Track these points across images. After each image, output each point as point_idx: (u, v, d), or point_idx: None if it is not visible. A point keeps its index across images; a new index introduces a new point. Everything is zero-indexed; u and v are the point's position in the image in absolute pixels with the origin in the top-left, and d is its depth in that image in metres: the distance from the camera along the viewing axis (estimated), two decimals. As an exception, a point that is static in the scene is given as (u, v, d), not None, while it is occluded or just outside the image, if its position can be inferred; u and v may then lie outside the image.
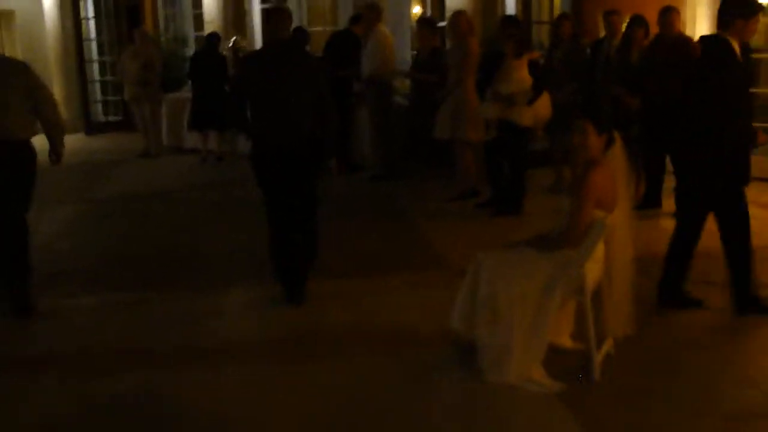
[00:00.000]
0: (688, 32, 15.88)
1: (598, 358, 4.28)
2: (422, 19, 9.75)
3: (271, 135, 5.62)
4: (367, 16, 9.83)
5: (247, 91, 5.70)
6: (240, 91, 5.87)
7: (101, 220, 8.72)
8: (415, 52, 10.42)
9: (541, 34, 10.59)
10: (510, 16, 9.29)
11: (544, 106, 7.83)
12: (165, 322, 5.57)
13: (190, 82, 12.07)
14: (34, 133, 5.80)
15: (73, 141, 11.89)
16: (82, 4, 15.64)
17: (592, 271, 4.24)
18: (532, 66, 7.79)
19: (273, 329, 5.43)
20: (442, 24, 10.57)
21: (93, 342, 5.27)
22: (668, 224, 7.43)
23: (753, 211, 5.31)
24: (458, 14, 8.59)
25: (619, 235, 4.37)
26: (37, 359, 5.01)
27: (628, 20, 8.26)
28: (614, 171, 4.29)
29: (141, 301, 6.00)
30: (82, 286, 6.41)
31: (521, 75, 7.67)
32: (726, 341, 4.92)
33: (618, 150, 4.32)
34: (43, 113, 5.77)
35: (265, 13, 6.36)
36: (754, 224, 5.31)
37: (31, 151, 5.72)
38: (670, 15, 7.60)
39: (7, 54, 16.13)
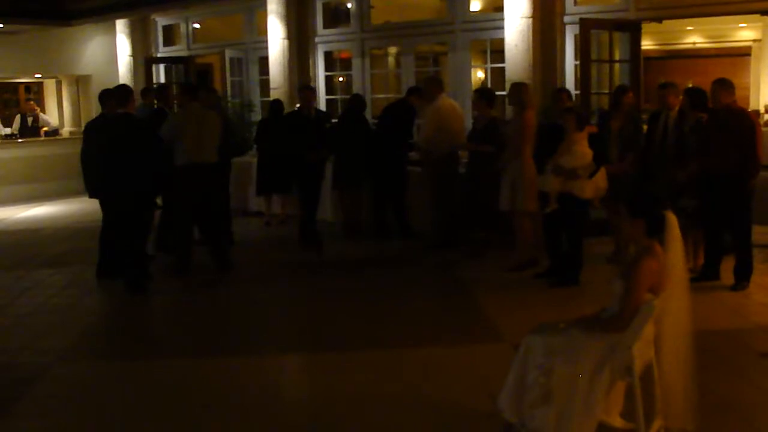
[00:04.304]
0: (752, 98, 15.93)
1: (647, 438, 4.30)
2: (479, 90, 9.90)
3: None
4: (427, 88, 10.07)
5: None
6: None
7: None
8: (474, 120, 10.57)
9: (601, 104, 10.66)
10: (562, 88, 9.37)
11: (602, 178, 7.89)
12: (215, 386, 5.72)
13: (255, 146, 12.40)
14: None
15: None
16: (154, 69, 16.23)
17: (641, 352, 4.27)
18: (593, 139, 7.87)
19: (318, 397, 5.52)
20: (502, 93, 10.75)
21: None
22: (726, 297, 7.46)
23: None
24: (517, 86, 8.73)
25: (674, 317, 4.36)
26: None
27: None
28: (668, 254, 4.31)
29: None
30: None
31: (583, 149, 7.74)
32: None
33: (673, 231, 4.34)
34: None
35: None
36: None
37: (220, 168, 9.48)
38: (716, 88, 7.64)
39: (82, 114, 16.97)
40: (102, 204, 8.78)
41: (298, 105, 12.42)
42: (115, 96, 8.73)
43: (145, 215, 8.75)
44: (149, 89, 12.70)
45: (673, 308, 4.36)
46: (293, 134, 10.73)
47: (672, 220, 4.32)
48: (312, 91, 11.58)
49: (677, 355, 4.39)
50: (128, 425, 5.17)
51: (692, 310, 4.44)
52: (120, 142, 8.37)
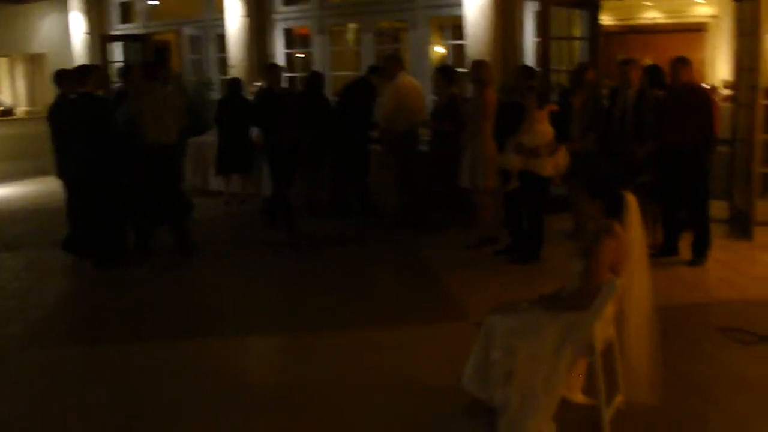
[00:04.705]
0: (707, 73, 16.12)
1: (607, 415, 4.36)
2: (439, 68, 9.90)
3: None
4: (387, 65, 10.01)
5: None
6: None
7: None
8: (435, 98, 10.56)
9: (560, 81, 10.70)
10: (526, 67, 9.38)
11: (562, 155, 7.94)
12: (181, 370, 5.70)
13: (215, 126, 12.26)
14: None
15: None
16: (110, 48, 15.98)
17: (602, 330, 4.32)
18: (554, 117, 7.89)
19: (281, 379, 5.53)
20: (463, 70, 10.73)
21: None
22: (684, 273, 7.56)
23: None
24: (477, 64, 8.71)
25: (635, 295, 4.40)
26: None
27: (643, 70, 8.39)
28: (628, 233, 4.35)
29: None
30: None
31: (544, 127, 7.77)
32: (742, 401, 4.91)
33: (632, 211, 4.36)
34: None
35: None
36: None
37: (178, 148, 9.31)
38: (675, 66, 7.68)
39: (36, 93, 16.69)
40: (66, 186, 8.74)
41: (259, 84, 12.32)
42: (73, 75, 8.58)
43: (113, 196, 8.49)
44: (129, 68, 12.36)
45: (634, 287, 4.40)
46: (265, 113, 10.48)
47: (630, 200, 4.35)
48: (281, 69, 11.40)
49: (639, 332, 4.44)
50: (91, 411, 5.12)
51: (653, 288, 4.49)
52: (80, 122, 8.25)
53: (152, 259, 8.73)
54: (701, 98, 7.72)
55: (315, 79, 10.96)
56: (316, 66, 13.23)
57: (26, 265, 8.83)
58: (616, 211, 4.35)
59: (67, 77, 8.68)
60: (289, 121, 10.26)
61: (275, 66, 11.33)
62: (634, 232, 4.37)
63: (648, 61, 11.07)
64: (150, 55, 15.45)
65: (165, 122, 8.73)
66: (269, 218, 10.52)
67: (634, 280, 4.38)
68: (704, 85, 8.98)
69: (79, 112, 8.30)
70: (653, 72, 8.27)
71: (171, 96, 9.07)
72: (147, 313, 7.13)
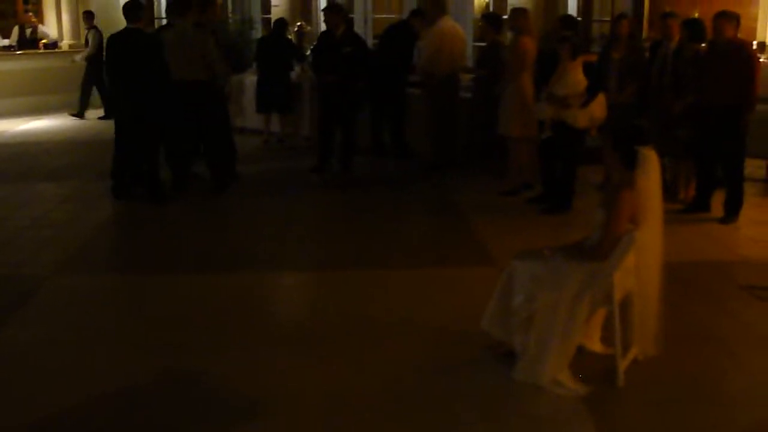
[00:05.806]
0: (759, 29, 15.71)
1: (623, 365, 4.44)
2: (485, 15, 9.86)
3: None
4: (430, 10, 9.97)
5: None
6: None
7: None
8: (476, 44, 10.51)
9: (603, 31, 10.59)
10: (567, 17, 9.30)
11: (599, 107, 7.88)
12: (211, 301, 5.88)
13: (255, 64, 12.31)
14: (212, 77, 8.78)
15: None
16: (154, -17, 16.00)
17: (621, 280, 4.39)
18: (588, 68, 7.84)
19: (309, 316, 5.67)
20: (506, 17, 10.65)
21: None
22: (714, 230, 7.53)
23: None
24: (515, 12, 8.70)
25: (648, 248, 4.47)
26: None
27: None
28: (645, 187, 4.39)
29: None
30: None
31: (576, 77, 7.72)
32: (760, 357, 4.92)
33: (650, 166, 4.41)
34: (211, 65, 8.73)
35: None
36: None
37: (210, 87, 8.80)
38: (718, 21, 7.53)
39: (81, 27, 16.77)
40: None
41: (300, 24, 12.32)
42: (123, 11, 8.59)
43: (153, 131, 8.58)
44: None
45: (648, 240, 4.46)
46: (317, 55, 10.20)
47: (649, 155, 4.39)
48: (335, 13, 10.30)
49: (649, 285, 4.53)
50: (123, 335, 5.30)
51: (665, 243, 4.57)
52: (126, 58, 8.29)
53: (189, 194, 8.87)
54: (744, 55, 7.59)
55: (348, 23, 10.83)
56: (358, 8, 13.18)
57: (68, 195, 9.02)
58: (631, 165, 4.39)
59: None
60: (335, 64, 9.90)
61: (332, 7, 10.96)
62: (652, 186, 4.43)
63: (695, 14, 10.90)
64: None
65: (184, 59, 8.55)
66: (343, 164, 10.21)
67: (648, 235, 4.44)
68: (754, 42, 8.79)
69: (127, 48, 8.32)
70: (692, 25, 8.15)
71: (194, 33, 8.80)
72: (181, 247, 7.28)
